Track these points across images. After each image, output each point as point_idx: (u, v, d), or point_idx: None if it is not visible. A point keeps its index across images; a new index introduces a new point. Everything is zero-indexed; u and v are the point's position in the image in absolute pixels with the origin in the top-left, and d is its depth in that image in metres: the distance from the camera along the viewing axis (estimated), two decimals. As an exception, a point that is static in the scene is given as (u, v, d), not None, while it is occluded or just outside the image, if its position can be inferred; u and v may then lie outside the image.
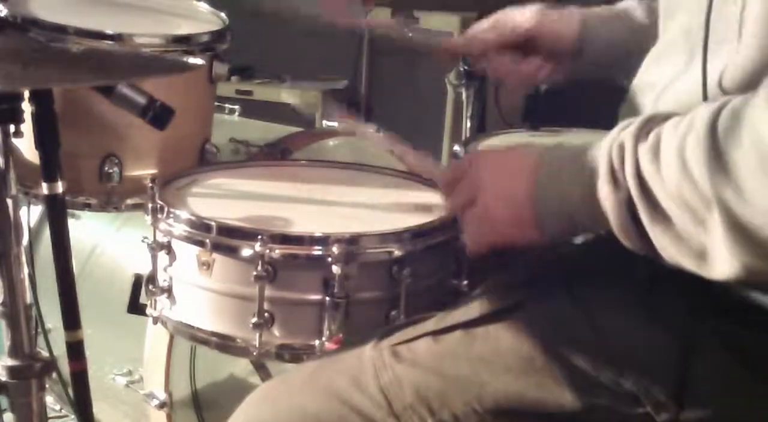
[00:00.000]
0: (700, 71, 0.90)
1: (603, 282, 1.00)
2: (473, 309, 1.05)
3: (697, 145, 0.80)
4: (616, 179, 0.87)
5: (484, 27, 1.37)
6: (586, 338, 0.98)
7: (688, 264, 0.84)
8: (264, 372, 1.63)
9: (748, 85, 0.84)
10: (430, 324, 1.05)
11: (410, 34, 1.43)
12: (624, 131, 0.89)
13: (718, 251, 0.80)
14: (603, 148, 0.89)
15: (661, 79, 1.01)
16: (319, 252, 1.16)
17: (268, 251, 1.14)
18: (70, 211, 1.39)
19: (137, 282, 1.62)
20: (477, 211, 1.02)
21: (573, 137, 1.71)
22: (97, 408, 1.41)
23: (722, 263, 0.80)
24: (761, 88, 0.78)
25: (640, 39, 1.29)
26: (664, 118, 0.87)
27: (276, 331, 1.18)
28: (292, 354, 1.19)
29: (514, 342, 1.00)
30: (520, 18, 1.34)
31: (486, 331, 1.02)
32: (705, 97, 0.89)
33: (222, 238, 1.18)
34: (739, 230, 0.78)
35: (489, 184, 1.01)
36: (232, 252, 1.18)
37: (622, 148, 0.87)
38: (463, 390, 0.99)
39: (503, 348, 1.00)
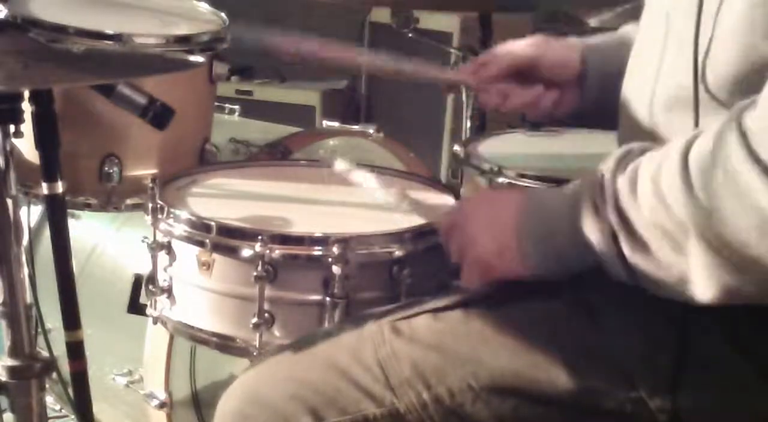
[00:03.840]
0: (691, 62, 0.91)
1: (601, 269, 1.00)
2: (474, 289, 1.06)
3: (671, 172, 0.83)
4: (598, 212, 0.90)
5: (482, 60, 1.39)
6: (582, 322, 0.99)
7: (671, 291, 0.87)
8: (264, 372, 1.63)
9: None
10: (431, 303, 1.06)
11: (408, 68, 1.45)
12: (603, 165, 0.92)
13: (698, 275, 0.83)
14: (585, 182, 0.93)
15: (647, 78, 1.02)
16: (319, 253, 1.16)
17: (268, 251, 1.14)
18: (70, 211, 1.39)
19: (137, 282, 1.62)
20: (467, 246, 1.05)
21: (572, 137, 1.71)
22: (97, 408, 1.41)
23: (702, 287, 0.83)
24: (732, 115, 0.81)
25: None
26: (641, 151, 0.91)
27: (276, 331, 1.18)
28: (292, 354, 1.19)
29: (511, 322, 1.01)
30: (520, 46, 1.36)
31: (485, 311, 1.03)
32: (696, 83, 0.91)
33: (222, 238, 1.18)
34: (717, 252, 0.80)
35: (477, 218, 1.05)
36: (232, 252, 1.18)
37: (602, 182, 0.91)
38: (460, 367, 1.00)
39: (501, 328, 1.01)
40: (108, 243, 1.85)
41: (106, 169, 1.50)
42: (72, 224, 1.36)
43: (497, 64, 1.37)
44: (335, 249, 1.14)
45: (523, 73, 1.36)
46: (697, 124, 0.93)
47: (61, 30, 1.41)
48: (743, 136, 0.78)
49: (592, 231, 0.91)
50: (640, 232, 0.87)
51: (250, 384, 1.07)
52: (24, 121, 1.19)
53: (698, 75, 0.91)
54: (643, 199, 0.86)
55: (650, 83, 1.01)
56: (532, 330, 1.00)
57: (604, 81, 1.32)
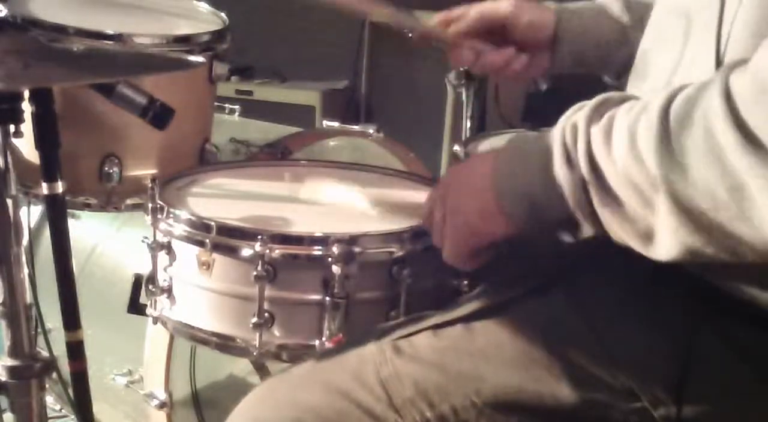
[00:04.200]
0: (713, 57, 0.90)
1: (602, 279, 1.00)
2: (473, 304, 1.05)
3: (648, 127, 0.81)
4: (570, 159, 0.88)
5: (455, 14, 1.36)
6: (584, 334, 0.98)
7: (634, 244, 0.85)
8: (264, 372, 1.63)
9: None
10: (431, 319, 1.05)
11: (408, 24, 1.42)
12: (578, 112, 0.90)
13: (663, 232, 0.81)
14: (557, 129, 0.90)
15: (663, 72, 1.01)
16: (319, 252, 1.16)
17: (268, 251, 1.14)
18: (70, 210, 1.40)
19: (137, 282, 1.62)
20: (448, 218, 1.03)
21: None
22: (97, 408, 1.41)
23: (665, 244, 0.81)
24: (716, 77, 0.79)
25: (618, 33, 1.30)
26: (620, 100, 0.88)
27: (276, 331, 1.18)
28: (292, 354, 1.19)
29: (512, 336, 1.00)
30: (496, 5, 1.35)
31: (485, 325, 1.02)
32: None
33: (222, 238, 1.18)
34: (684, 212, 0.79)
35: (452, 188, 1.03)
36: (232, 252, 1.18)
37: (575, 129, 0.88)
38: (462, 384, 0.99)
39: (502, 343, 1.00)
40: (108, 243, 1.85)
41: (106, 169, 1.49)
42: (72, 224, 1.36)
43: (470, 18, 1.35)
44: (335, 249, 1.14)
45: (496, 32, 1.34)
46: None
47: (61, 30, 1.41)
48: (728, 99, 0.76)
49: (563, 179, 0.88)
50: (610, 184, 0.84)
51: (253, 410, 1.06)
52: (24, 121, 1.19)
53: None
54: (617, 151, 0.83)
55: (665, 78, 1.00)
56: (534, 344, 0.99)
57: (577, 47, 1.32)
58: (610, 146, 0.84)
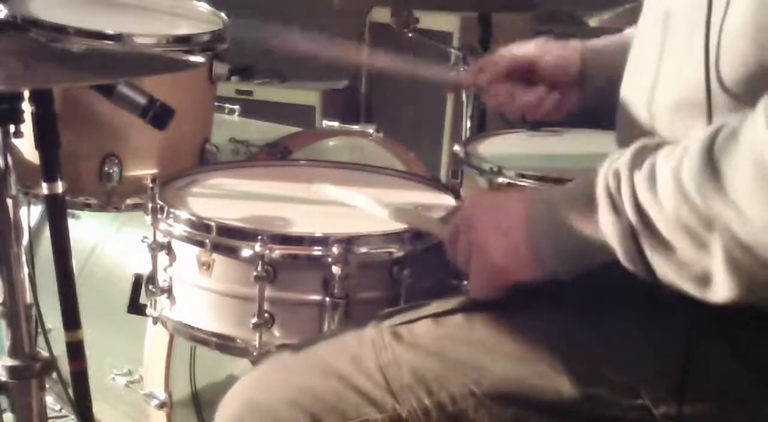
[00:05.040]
0: (702, 58, 0.90)
1: (604, 278, 1.00)
2: (483, 298, 1.05)
3: (693, 167, 0.81)
4: (616, 207, 0.88)
5: (485, 62, 1.44)
6: (585, 331, 0.98)
7: (691, 289, 0.85)
8: (264, 372, 1.63)
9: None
10: (431, 308, 1.06)
11: (414, 68, 1.49)
12: (618, 160, 0.90)
13: (721, 273, 0.81)
14: (599, 177, 0.90)
15: (646, 78, 1.01)
16: (319, 253, 1.16)
17: (268, 251, 1.14)
18: (70, 210, 1.40)
19: (137, 282, 1.62)
20: (475, 252, 1.02)
21: (572, 137, 1.71)
22: (97, 408, 1.41)
23: (725, 286, 0.81)
24: (759, 107, 0.79)
25: None
26: (656, 146, 0.88)
27: (276, 331, 1.18)
28: (292, 355, 1.19)
29: (513, 329, 1.00)
30: (522, 49, 1.40)
31: (486, 317, 1.02)
32: (708, 82, 0.90)
33: (222, 239, 1.18)
34: (742, 250, 0.78)
35: (483, 221, 1.02)
36: (232, 252, 1.18)
37: (617, 176, 0.88)
38: (461, 373, 0.99)
39: (503, 335, 1.00)
40: (108, 243, 1.85)
41: (106, 169, 1.50)
42: (72, 224, 1.36)
43: (499, 65, 1.40)
44: (335, 249, 1.14)
45: (525, 75, 1.39)
46: (710, 124, 0.91)
47: (61, 30, 1.41)
48: None
49: (609, 228, 0.88)
50: (660, 230, 0.84)
51: (249, 390, 1.06)
52: (24, 121, 1.19)
53: (710, 76, 0.90)
54: (665, 197, 0.83)
55: (649, 84, 1.01)
56: (535, 337, 0.99)
57: (604, 83, 1.33)
58: (655, 192, 0.84)
